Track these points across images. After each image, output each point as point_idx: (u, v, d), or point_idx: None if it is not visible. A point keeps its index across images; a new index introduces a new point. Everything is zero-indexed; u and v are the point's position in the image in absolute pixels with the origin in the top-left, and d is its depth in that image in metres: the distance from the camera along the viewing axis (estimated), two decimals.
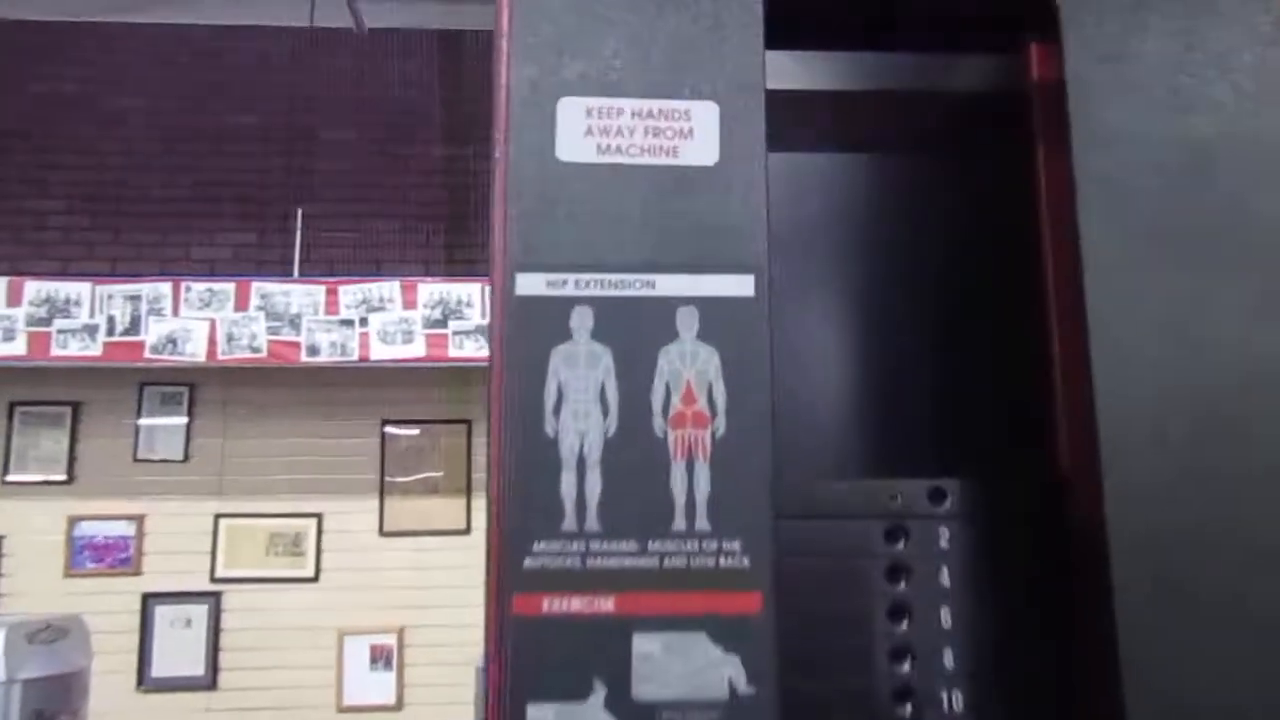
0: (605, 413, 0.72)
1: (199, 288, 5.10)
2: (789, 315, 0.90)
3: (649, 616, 0.71)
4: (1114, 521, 0.75)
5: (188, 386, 5.67)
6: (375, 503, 5.63)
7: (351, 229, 5.90)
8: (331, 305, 5.11)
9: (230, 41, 6.18)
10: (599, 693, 0.69)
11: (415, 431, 5.72)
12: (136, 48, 6.13)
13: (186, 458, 5.65)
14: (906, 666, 0.82)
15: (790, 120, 0.88)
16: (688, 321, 0.73)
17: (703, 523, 0.71)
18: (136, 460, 5.62)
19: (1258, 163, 0.81)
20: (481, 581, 0.73)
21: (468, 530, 5.54)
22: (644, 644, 0.70)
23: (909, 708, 0.82)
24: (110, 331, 5.02)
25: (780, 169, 0.88)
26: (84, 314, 5.02)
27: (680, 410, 0.72)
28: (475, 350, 5.04)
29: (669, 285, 0.73)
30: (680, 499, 0.71)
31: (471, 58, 6.11)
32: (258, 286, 5.12)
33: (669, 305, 0.73)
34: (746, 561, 0.71)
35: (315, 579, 5.59)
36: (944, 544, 0.83)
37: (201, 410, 5.68)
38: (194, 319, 5.04)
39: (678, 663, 0.69)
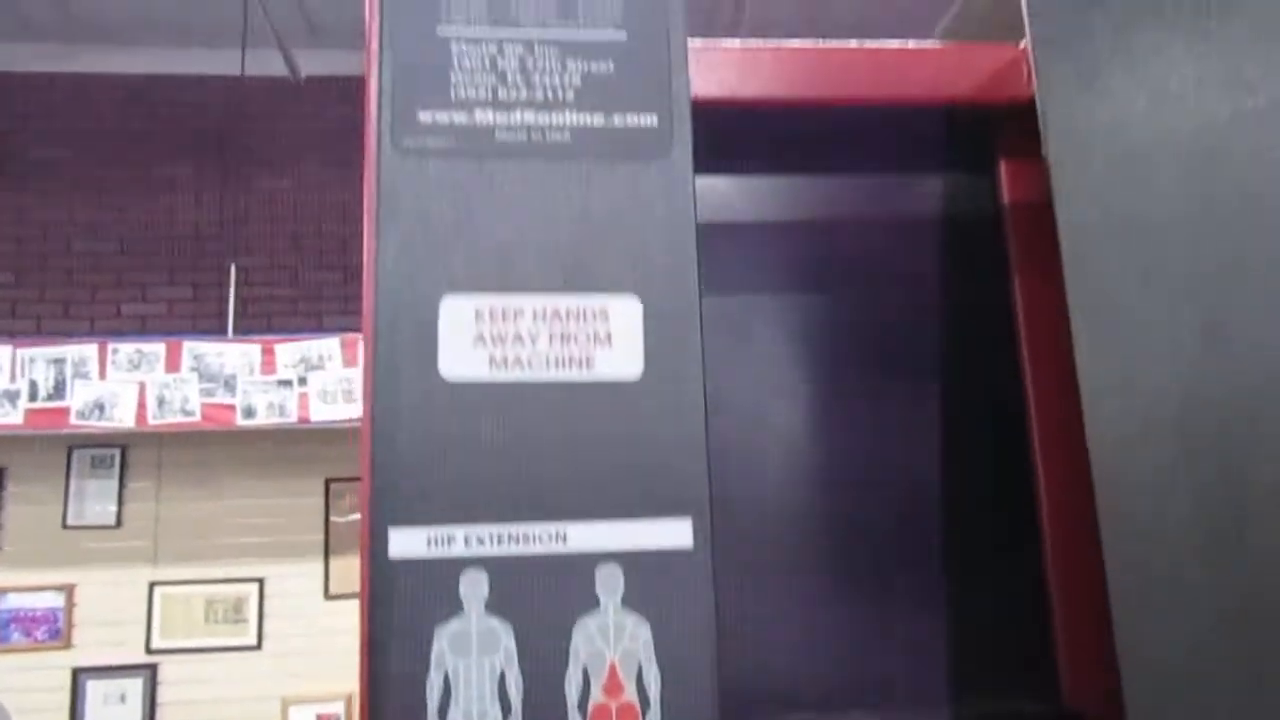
0: (505, 712, 0.51)
1: (127, 349, 4.88)
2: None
3: None
4: None
5: (119, 448, 5.46)
6: (320, 565, 5.42)
7: (290, 282, 5.75)
8: (268, 364, 4.91)
9: (161, 91, 6.03)
10: None
11: None
12: (62, 97, 5.95)
13: (119, 523, 5.42)
14: None
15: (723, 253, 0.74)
16: (610, 584, 0.52)
17: None
18: (66, 527, 5.38)
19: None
20: None
21: None
22: None
23: None
24: (33, 397, 4.79)
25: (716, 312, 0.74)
26: (4, 379, 4.78)
27: (602, 704, 0.51)
28: None
29: (584, 538, 0.52)
30: None
31: None
32: (190, 346, 4.92)
33: (585, 564, 0.53)
34: None
35: (258, 646, 5.35)
36: None
37: (134, 473, 5.49)
38: (122, 382, 4.81)
39: None
